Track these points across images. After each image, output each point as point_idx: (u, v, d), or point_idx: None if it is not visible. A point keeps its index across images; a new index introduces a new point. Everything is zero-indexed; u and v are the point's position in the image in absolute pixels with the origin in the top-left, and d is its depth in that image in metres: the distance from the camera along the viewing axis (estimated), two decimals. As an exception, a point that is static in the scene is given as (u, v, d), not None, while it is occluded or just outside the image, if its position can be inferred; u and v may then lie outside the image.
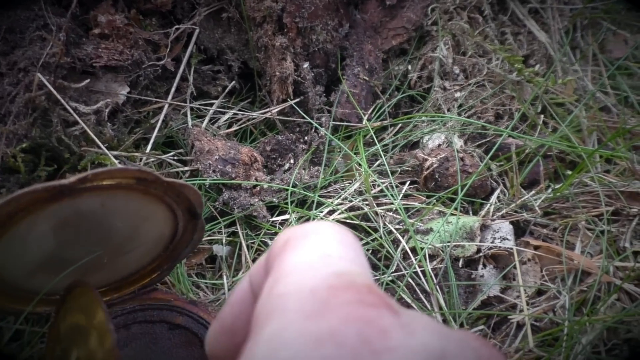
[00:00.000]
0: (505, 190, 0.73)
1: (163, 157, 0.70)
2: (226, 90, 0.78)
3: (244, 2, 0.73)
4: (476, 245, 0.64)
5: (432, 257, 0.63)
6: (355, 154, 0.75)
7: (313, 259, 0.23)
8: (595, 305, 0.56)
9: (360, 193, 0.70)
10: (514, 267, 0.61)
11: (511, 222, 0.67)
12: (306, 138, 0.74)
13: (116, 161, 0.61)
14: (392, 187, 0.71)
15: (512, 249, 0.61)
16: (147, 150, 0.67)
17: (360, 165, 0.73)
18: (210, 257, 0.70)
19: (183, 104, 0.74)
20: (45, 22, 0.63)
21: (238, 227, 0.69)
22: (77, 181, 0.42)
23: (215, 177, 0.68)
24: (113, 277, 0.54)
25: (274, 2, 0.71)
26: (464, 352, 0.20)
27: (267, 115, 0.74)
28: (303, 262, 0.23)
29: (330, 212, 0.67)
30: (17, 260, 0.49)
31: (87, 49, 0.65)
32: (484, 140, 0.77)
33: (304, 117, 0.74)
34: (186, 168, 0.71)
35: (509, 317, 0.57)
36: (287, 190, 0.69)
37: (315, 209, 0.68)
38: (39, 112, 0.60)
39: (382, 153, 0.73)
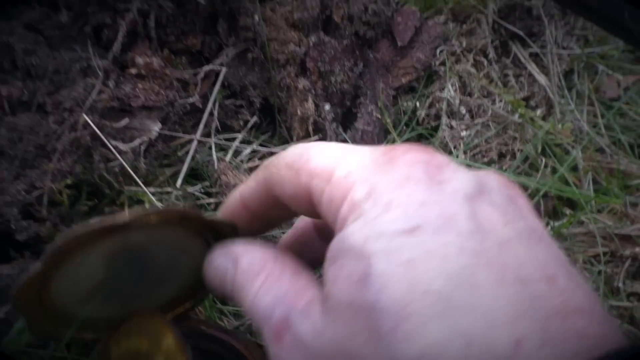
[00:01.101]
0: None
1: (190, 189, 0.75)
2: (248, 125, 0.82)
3: (268, 45, 0.78)
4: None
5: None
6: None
7: (343, 149, 0.32)
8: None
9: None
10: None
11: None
12: (324, 173, 0.79)
13: (153, 197, 0.66)
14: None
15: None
16: (178, 185, 0.72)
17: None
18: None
19: (208, 139, 0.79)
20: (88, 63, 0.67)
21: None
22: (131, 220, 0.47)
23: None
24: (150, 306, 0.58)
25: (297, 47, 0.77)
26: (492, 181, 0.29)
27: (288, 151, 0.79)
28: (339, 154, 0.31)
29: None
30: (70, 290, 0.53)
31: (125, 89, 0.69)
32: (488, 178, 0.83)
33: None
34: (211, 200, 0.76)
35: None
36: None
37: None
38: (82, 151, 0.64)
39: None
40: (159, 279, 0.55)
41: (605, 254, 0.68)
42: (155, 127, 0.73)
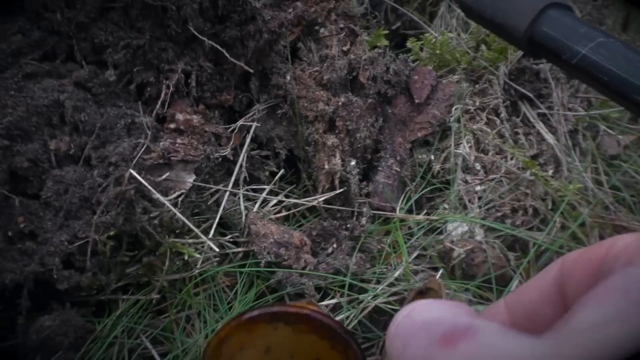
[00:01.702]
0: (522, 279, 0.82)
1: (221, 239, 0.77)
2: (276, 178, 0.86)
3: (297, 102, 0.83)
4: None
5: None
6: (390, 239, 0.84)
7: None
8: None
9: (397, 279, 0.79)
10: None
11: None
12: (348, 225, 0.82)
13: (192, 249, 0.68)
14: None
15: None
16: (211, 235, 0.74)
17: (394, 250, 0.82)
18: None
19: (237, 190, 0.82)
20: (133, 120, 0.71)
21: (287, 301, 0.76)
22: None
23: (269, 259, 0.75)
24: None
25: (326, 105, 0.81)
26: None
27: (314, 203, 0.83)
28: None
29: (374, 297, 0.76)
30: None
31: (165, 143, 0.73)
32: (502, 233, 0.87)
33: (347, 205, 0.83)
34: (240, 249, 0.79)
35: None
36: (338, 272, 0.76)
37: (360, 294, 0.76)
38: (125, 203, 0.67)
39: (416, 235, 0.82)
40: None
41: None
42: (190, 179, 0.76)
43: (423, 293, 0.51)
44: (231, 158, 0.81)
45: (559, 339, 0.20)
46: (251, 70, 0.76)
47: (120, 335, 0.68)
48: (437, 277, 0.76)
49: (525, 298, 0.30)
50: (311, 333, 0.50)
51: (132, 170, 0.65)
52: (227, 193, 0.79)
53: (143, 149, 0.66)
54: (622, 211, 0.94)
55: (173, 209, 0.67)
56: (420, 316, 0.26)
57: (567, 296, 0.28)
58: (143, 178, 0.67)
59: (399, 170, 0.91)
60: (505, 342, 0.21)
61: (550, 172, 0.93)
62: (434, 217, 0.88)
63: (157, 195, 0.68)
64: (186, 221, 0.69)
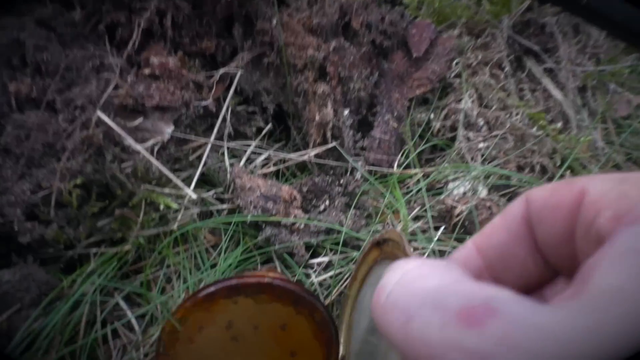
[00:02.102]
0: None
1: (205, 195, 0.71)
2: (263, 133, 0.80)
3: (285, 50, 0.76)
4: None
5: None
6: (386, 197, 0.77)
7: None
8: None
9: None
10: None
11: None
12: (342, 181, 0.76)
13: (169, 199, 0.62)
14: (423, 231, 0.74)
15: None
16: (192, 188, 0.68)
17: (388, 208, 0.76)
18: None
19: (221, 142, 0.76)
20: (102, 61, 0.65)
21: (276, 262, 0.70)
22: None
23: (256, 214, 0.69)
24: None
25: (316, 51, 0.75)
26: None
27: (305, 157, 0.77)
28: None
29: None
30: (360, 318, 0.50)
31: (139, 89, 0.66)
32: (507, 191, 0.81)
33: (341, 160, 0.76)
34: (225, 206, 0.73)
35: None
36: (330, 231, 0.70)
37: (354, 252, 0.70)
38: (93, 149, 0.61)
39: (421, 192, 0.76)
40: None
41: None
42: (168, 129, 0.70)
43: (380, 244, 0.45)
44: (214, 110, 0.75)
45: (585, 305, 0.20)
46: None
47: (92, 294, 0.62)
48: (398, 229, 0.69)
49: (494, 239, 0.30)
50: (274, 301, 0.45)
51: (99, 112, 0.59)
52: (209, 145, 0.73)
53: (112, 87, 0.60)
54: (635, 169, 0.88)
55: (147, 155, 0.61)
56: (417, 284, 0.25)
57: (539, 239, 0.28)
58: (113, 121, 0.61)
59: (396, 126, 0.84)
60: (533, 316, 0.20)
61: (559, 129, 0.87)
62: (432, 170, 0.81)
63: (130, 141, 0.62)
64: (163, 168, 0.63)
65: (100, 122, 0.60)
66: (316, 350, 0.46)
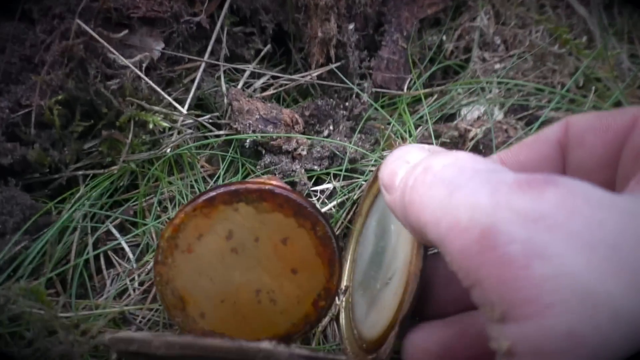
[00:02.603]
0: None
1: (200, 119, 0.66)
2: (261, 54, 0.74)
3: (284, -41, 0.69)
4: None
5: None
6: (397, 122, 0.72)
7: None
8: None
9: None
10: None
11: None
12: (347, 104, 0.71)
13: (159, 118, 0.58)
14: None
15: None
16: (184, 110, 0.63)
17: (396, 134, 0.71)
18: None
19: (217, 62, 0.70)
20: (81, -34, 0.59)
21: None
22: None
23: (256, 138, 0.64)
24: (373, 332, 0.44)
25: (318, -40, 0.68)
26: None
27: (307, 79, 0.71)
28: None
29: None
30: (363, 250, 0.48)
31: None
32: (525, 113, 0.75)
33: (347, 82, 0.71)
34: (222, 132, 0.68)
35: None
36: (334, 158, 0.66)
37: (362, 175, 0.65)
38: (75, 63, 0.56)
39: (427, 118, 0.71)
40: (384, 274, 0.43)
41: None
42: (157, 46, 0.64)
43: None
44: (208, 28, 0.69)
45: None
46: None
47: (82, 221, 0.58)
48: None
49: (522, 156, 0.31)
50: (276, 211, 0.41)
51: (78, 20, 0.54)
52: (203, 65, 0.67)
53: (91, -7, 0.54)
54: (664, 91, 0.81)
55: (135, 69, 0.56)
56: (467, 164, 0.25)
57: (573, 163, 0.29)
58: (95, 32, 0.55)
59: (405, 46, 0.78)
60: (596, 191, 0.20)
61: (582, 46, 0.80)
62: (444, 88, 0.76)
63: (115, 54, 0.57)
64: (152, 84, 0.58)
65: (80, 32, 0.55)
66: (318, 268, 0.42)
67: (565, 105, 0.76)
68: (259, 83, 0.74)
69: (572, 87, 0.77)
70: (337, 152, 0.67)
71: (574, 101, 0.77)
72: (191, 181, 0.66)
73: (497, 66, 0.79)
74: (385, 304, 0.40)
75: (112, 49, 0.56)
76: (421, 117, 0.77)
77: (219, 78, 0.72)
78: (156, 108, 0.58)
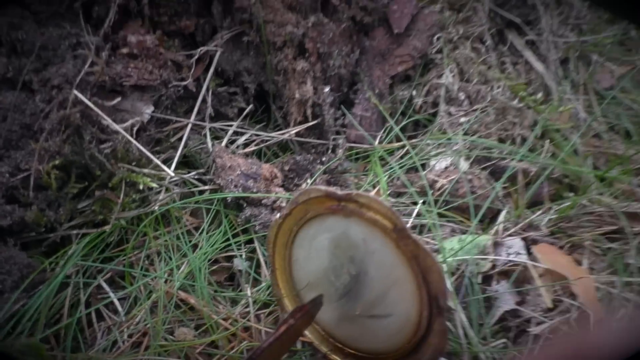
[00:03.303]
0: (510, 210, 0.77)
1: (186, 176, 0.71)
2: (244, 113, 0.80)
3: (264, 27, 0.76)
4: (490, 262, 0.67)
5: (451, 275, 0.66)
6: (366, 173, 0.78)
7: None
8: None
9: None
10: (528, 280, 0.64)
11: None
12: (323, 159, 0.76)
13: (148, 179, 0.62)
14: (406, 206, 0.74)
15: (527, 262, 0.64)
16: (172, 169, 0.68)
17: (373, 185, 0.76)
18: (229, 275, 0.71)
19: (203, 122, 0.76)
20: (78, 40, 0.64)
21: (256, 244, 0.70)
22: (345, 194, 0.47)
23: (237, 192, 0.69)
24: (358, 344, 0.53)
25: (295, 28, 0.75)
26: None
27: (286, 136, 0.77)
28: None
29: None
30: (302, 262, 0.53)
31: (117, 68, 0.66)
32: (489, 164, 0.82)
33: (323, 139, 0.76)
34: (206, 187, 0.73)
35: (527, 329, 0.60)
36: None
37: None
38: (71, 129, 0.61)
39: (398, 172, 0.76)
40: (368, 308, 0.50)
41: (614, 232, 0.67)
42: (148, 110, 0.69)
43: (343, 200, 0.48)
44: (194, 90, 0.75)
45: None
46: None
47: (75, 277, 0.62)
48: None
49: None
50: None
51: (75, 91, 0.59)
52: (190, 125, 0.72)
53: (88, 66, 0.60)
54: (617, 139, 0.88)
55: (126, 134, 0.61)
56: None
57: None
58: (90, 101, 0.61)
59: (377, 104, 0.84)
60: None
61: (540, 100, 0.87)
62: (414, 142, 0.82)
63: (108, 121, 0.62)
64: (142, 148, 0.63)
65: (77, 101, 0.60)
66: None
67: (525, 156, 0.82)
68: (241, 140, 0.79)
69: (531, 139, 0.84)
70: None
71: (533, 150, 0.84)
72: (177, 234, 0.70)
73: (462, 119, 0.85)
74: (380, 335, 0.49)
75: (105, 117, 0.61)
76: (392, 168, 0.83)
77: (204, 136, 0.77)
78: (146, 170, 0.63)
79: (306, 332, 0.57)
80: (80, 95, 0.59)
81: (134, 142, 0.62)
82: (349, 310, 0.51)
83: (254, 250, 0.71)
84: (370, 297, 0.49)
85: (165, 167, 0.64)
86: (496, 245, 0.70)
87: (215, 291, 0.66)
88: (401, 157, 0.84)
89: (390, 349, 0.50)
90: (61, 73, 0.61)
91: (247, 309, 0.65)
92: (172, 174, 0.63)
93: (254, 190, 0.69)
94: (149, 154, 0.63)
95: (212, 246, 0.69)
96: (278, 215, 0.53)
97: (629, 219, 0.69)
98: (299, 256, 0.54)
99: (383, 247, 0.46)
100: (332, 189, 0.47)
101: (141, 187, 0.62)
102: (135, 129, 0.66)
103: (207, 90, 0.77)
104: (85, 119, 0.61)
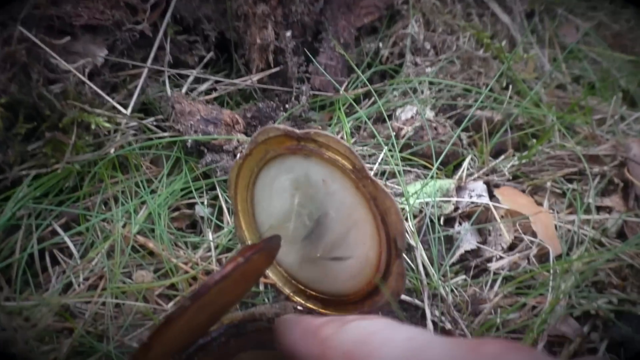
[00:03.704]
0: (475, 158, 0.77)
1: (144, 121, 0.69)
2: (204, 61, 0.78)
3: (223, -29, 0.74)
4: (453, 204, 0.67)
5: (413, 217, 0.66)
6: (334, 121, 0.77)
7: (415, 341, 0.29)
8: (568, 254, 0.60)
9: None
10: (490, 221, 0.64)
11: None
12: (287, 106, 0.75)
13: (102, 120, 0.60)
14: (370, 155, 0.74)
15: (488, 204, 0.65)
16: (128, 112, 0.66)
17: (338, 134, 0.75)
18: (191, 223, 0.70)
19: (161, 68, 0.73)
20: (23, -24, 0.61)
21: (218, 190, 0.69)
22: (303, 133, 0.45)
23: (197, 137, 0.68)
24: (320, 286, 0.53)
25: (255, -29, 0.72)
26: None
27: (248, 83, 0.75)
28: (412, 348, 0.29)
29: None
30: (264, 205, 0.52)
31: (66, 7, 0.63)
32: (453, 112, 0.81)
33: (286, 86, 0.75)
34: (165, 134, 0.71)
35: (488, 265, 0.61)
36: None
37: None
38: (17, 68, 0.58)
39: (366, 120, 0.76)
40: (329, 250, 0.49)
41: (574, 173, 0.67)
42: (101, 53, 0.67)
43: (302, 140, 0.47)
44: (150, 35, 0.72)
45: None
46: None
47: (27, 219, 0.60)
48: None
49: None
50: None
51: (21, 27, 0.56)
52: (146, 70, 0.70)
53: (35, 2, 0.57)
54: (581, 91, 0.89)
55: (77, 73, 0.58)
56: None
57: None
58: (37, 38, 0.58)
59: (342, 52, 0.83)
60: None
61: (505, 48, 0.87)
62: (378, 87, 0.81)
63: (58, 59, 0.59)
64: (94, 87, 0.60)
65: (23, 38, 0.57)
66: None
67: (490, 104, 0.82)
68: (202, 87, 0.77)
69: (497, 88, 0.84)
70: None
71: (497, 99, 0.84)
72: (136, 182, 0.68)
73: (428, 70, 0.84)
74: (341, 277, 0.49)
75: (54, 54, 0.59)
76: (359, 119, 0.82)
77: (163, 83, 0.75)
78: (99, 111, 0.61)
79: (269, 274, 0.56)
80: (25, 32, 0.56)
81: (86, 80, 0.60)
82: (311, 253, 0.50)
83: (216, 197, 0.70)
84: (330, 239, 0.48)
85: (120, 107, 0.62)
86: (459, 189, 0.71)
87: (176, 237, 0.65)
88: (367, 108, 0.83)
89: (351, 291, 0.50)
90: (5, 9, 0.58)
91: (209, 254, 0.64)
92: (128, 114, 0.61)
93: (215, 134, 0.68)
94: (102, 92, 0.60)
95: (171, 193, 0.68)
96: (238, 156, 0.51)
97: (589, 161, 0.70)
98: (261, 198, 0.53)
99: (343, 188, 0.45)
100: (290, 128, 0.46)
101: (93, 127, 0.60)
102: (87, 70, 0.63)
103: (165, 36, 0.75)
104: (33, 58, 0.59)
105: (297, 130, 0.45)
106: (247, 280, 0.50)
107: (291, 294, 0.56)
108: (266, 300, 0.60)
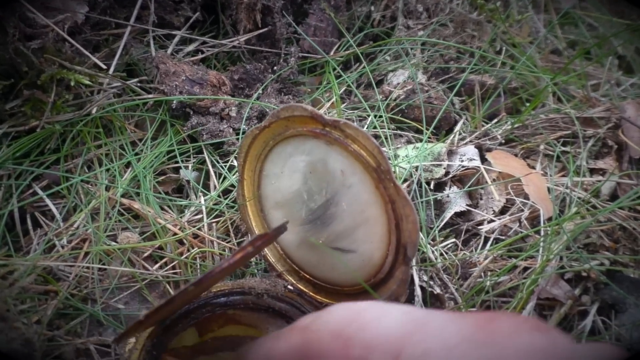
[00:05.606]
0: (467, 122, 0.75)
1: (128, 82, 0.67)
2: (190, 21, 0.75)
3: None
4: (444, 168, 0.66)
5: (403, 181, 0.65)
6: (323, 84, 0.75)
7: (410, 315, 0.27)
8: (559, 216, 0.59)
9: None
10: (480, 185, 0.63)
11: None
12: (275, 68, 0.73)
13: (82, 77, 0.58)
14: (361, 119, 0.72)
15: (479, 167, 0.63)
16: (111, 71, 0.64)
17: (324, 97, 0.74)
18: (178, 187, 0.68)
19: (145, 27, 0.71)
20: None
21: (205, 153, 0.67)
22: (332, 120, 0.44)
23: (182, 99, 0.66)
24: (315, 270, 0.52)
25: None
26: None
27: (235, 43, 0.73)
28: (407, 322, 0.26)
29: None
30: (272, 179, 0.51)
31: (43, -40, 0.61)
32: (446, 77, 0.80)
33: (275, 47, 0.73)
34: (150, 96, 0.69)
35: (479, 228, 0.60)
36: (262, 117, 0.68)
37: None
38: (-8, 21, 0.56)
39: (350, 84, 0.74)
40: (333, 239, 0.48)
41: (567, 136, 0.66)
42: (81, 10, 0.64)
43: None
44: (135, -7, 0.70)
45: None
46: None
47: (7, 180, 0.58)
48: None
49: None
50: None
51: (-6, -23, 0.54)
52: (128, 29, 0.68)
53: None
54: (573, 56, 0.87)
55: (57, 28, 0.56)
56: None
57: None
58: (12, -9, 0.55)
59: (332, 15, 0.81)
60: None
61: (499, 10, 0.85)
62: (367, 47, 0.79)
63: (35, 13, 0.57)
64: (75, 43, 0.58)
65: (-4, -9, 0.55)
66: None
67: (483, 67, 0.81)
68: (188, 49, 0.75)
69: (491, 52, 0.82)
70: (268, 112, 0.69)
71: (491, 61, 0.82)
72: (120, 145, 0.66)
73: (420, 33, 0.82)
74: (338, 268, 0.48)
75: (31, 8, 0.56)
76: (348, 81, 0.80)
77: (148, 44, 0.72)
78: (79, 68, 0.58)
79: (265, 249, 0.55)
80: (-1, -19, 0.54)
81: (66, 36, 0.58)
82: (313, 237, 0.49)
83: (203, 162, 0.68)
84: (337, 229, 0.47)
85: (101, 64, 0.60)
86: (451, 153, 0.69)
87: (162, 200, 0.64)
88: (358, 72, 0.81)
89: (346, 283, 0.50)
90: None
91: (196, 217, 0.63)
92: (110, 73, 0.59)
93: (200, 95, 0.66)
94: (83, 49, 0.58)
95: (157, 156, 0.66)
96: (255, 126, 0.50)
97: (583, 124, 0.69)
98: (270, 172, 0.52)
99: (361, 183, 0.44)
100: (319, 111, 0.44)
101: (73, 84, 0.58)
102: (66, 26, 0.61)
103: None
104: (8, 11, 0.56)
105: (325, 116, 0.44)
106: (246, 261, 0.49)
107: (284, 272, 0.54)
108: (256, 272, 0.59)
